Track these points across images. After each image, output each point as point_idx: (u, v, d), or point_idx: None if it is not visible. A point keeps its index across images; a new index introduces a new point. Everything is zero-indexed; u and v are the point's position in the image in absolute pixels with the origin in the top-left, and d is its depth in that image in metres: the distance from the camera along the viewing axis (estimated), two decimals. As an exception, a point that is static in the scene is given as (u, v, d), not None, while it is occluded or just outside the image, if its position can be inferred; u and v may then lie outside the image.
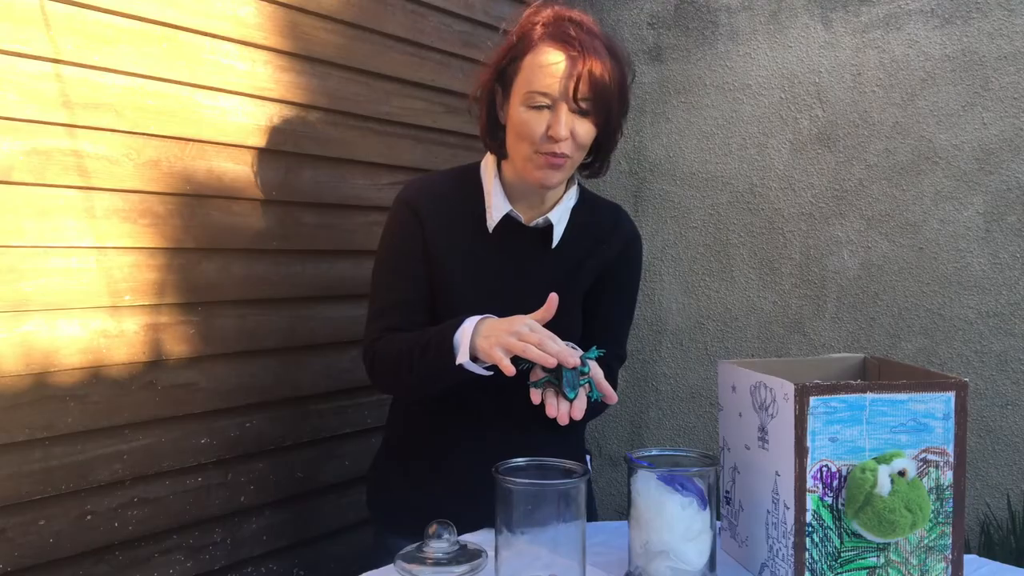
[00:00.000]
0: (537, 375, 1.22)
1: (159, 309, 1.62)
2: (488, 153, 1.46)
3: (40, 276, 1.44)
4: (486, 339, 1.22)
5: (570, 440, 1.54)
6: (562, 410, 1.18)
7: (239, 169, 1.75)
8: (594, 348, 1.25)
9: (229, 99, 1.71)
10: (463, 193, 1.45)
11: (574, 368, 1.18)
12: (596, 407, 1.26)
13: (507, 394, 1.33)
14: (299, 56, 1.85)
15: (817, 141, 2.46)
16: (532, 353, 1.17)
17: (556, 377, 1.19)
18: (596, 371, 1.23)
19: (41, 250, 1.44)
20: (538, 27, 1.33)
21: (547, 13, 1.34)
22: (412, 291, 1.42)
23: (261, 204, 1.79)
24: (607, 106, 1.32)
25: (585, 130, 1.33)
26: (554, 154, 1.32)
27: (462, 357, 1.24)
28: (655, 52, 2.70)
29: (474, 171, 1.47)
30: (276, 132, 1.81)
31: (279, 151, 1.82)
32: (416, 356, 1.31)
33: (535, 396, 1.20)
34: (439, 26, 2.20)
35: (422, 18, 2.15)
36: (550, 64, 1.30)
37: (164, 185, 1.61)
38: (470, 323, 1.26)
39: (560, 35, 1.30)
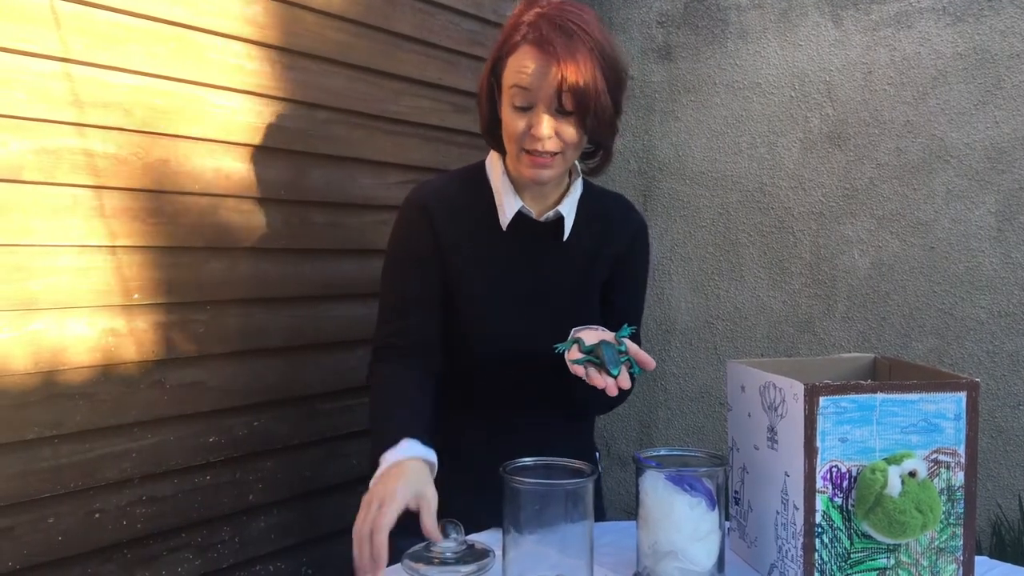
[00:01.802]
0: (574, 355, 1.24)
1: (167, 308, 1.62)
2: (492, 151, 1.46)
3: (49, 275, 1.44)
4: (371, 487, 1.21)
5: (581, 437, 1.56)
6: (609, 382, 1.20)
7: (247, 168, 1.75)
8: (626, 326, 1.28)
9: (237, 98, 1.72)
10: (472, 192, 1.45)
11: (612, 348, 1.22)
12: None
13: (521, 390, 1.34)
14: (307, 55, 1.85)
15: (827, 140, 2.45)
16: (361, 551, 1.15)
17: (596, 357, 1.22)
18: (631, 345, 1.26)
19: (50, 249, 1.44)
20: (522, 27, 1.33)
21: (534, 12, 1.32)
22: (420, 292, 1.42)
23: (269, 203, 1.80)
24: (588, 107, 1.30)
25: (570, 130, 1.32)
26: (539, 152, 1.32)
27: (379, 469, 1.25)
28: (664, 51, 2.69)
29: (480, 170, 1.47)
30: (284, 131, 1.81)
31: (287, 150, 1.82)
32: (372, 422, 1.38)
33: (579, 371, 1.21)
34: (447, 24, 2.20)
35: (430, 16, 2.15)
36: (526, 67, 1.30)
37: (173, 184, 1.61)
38: (392, 455, 1.25)
39: (538, 39, 1.29)
